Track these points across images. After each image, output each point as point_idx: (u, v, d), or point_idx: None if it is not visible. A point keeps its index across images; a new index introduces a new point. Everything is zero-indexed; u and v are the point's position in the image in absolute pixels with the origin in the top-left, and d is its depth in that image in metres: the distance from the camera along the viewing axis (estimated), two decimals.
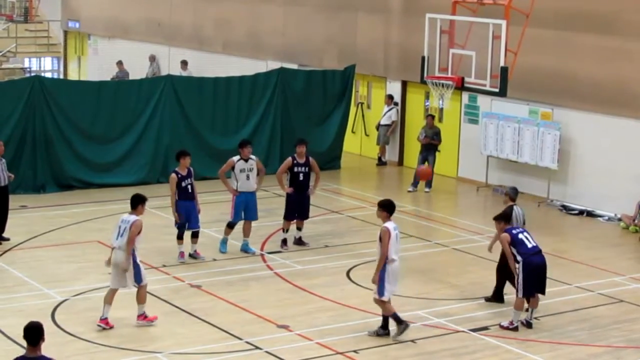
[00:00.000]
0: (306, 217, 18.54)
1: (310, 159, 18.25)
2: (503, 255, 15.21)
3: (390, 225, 13.82)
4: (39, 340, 8.99)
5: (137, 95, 23.77)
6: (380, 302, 13.94)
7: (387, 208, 14.00)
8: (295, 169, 18.14)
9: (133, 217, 14.17)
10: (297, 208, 18.27)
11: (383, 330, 14.06)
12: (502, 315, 14.97)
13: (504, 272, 15.37)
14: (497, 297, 15.62)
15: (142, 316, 14.30)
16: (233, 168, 17.81)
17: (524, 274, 14.38)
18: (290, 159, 18.21)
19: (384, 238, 13.71)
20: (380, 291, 13.80)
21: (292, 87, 25.72)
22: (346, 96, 26.55)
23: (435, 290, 15.88)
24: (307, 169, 18.15)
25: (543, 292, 14.67)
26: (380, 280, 13.78)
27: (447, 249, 18.87)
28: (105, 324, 14.08)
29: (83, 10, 39.64)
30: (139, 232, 14.03)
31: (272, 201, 21.01)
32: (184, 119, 24.14)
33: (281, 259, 17.77)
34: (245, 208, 17.93)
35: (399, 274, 14.15)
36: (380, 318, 14.18)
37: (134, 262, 14.12)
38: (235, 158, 17.91)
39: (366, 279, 16.70)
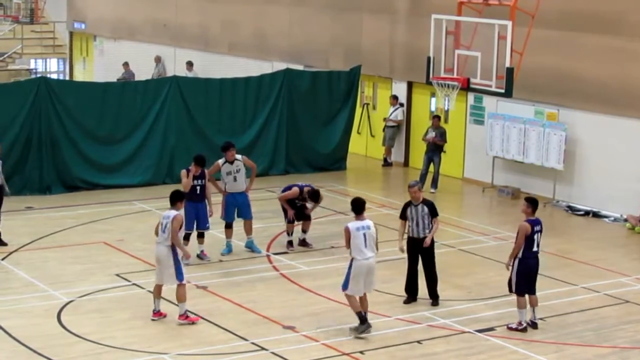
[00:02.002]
0: (308, 218, 18.67)
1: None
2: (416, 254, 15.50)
3: (351, 224, 14.13)
4: None
5: (143, 96, 23.75)
6: (346, 297, 14.20)
7: (353, 207, 14.33)
8: (298, 203, 18.42)
9: (173, 212, 14.47)
10: (298, 216, 18.56)
11: (362, 326, 14.11)
12: (508, 316, 14.96)
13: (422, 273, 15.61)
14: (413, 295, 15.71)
15: (184, 316, 14.39)
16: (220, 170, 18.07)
17: (517, 271, 14.47)
18: (297, 190, 18.32)
19: (345, 236, 14.15)
20: (344, 284, 14.13)
21: (298, 87, 25.71)
22: (352, 97, 26.54)
23: (441, 291, 15.84)
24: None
25: (533, 293, 14.68)
26: (346, 275, 14.14)
27: (453, 249, 18.85)
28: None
29: (89, 11, 39.68)
30: (180, 227, 14.38)
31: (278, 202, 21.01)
32: (189, 120, 24.14)
33: (287, 260, 17.77)
34: (238, 208, 18.06)
35: (363, 274, 14.12)
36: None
37: (175, 259, 14.30)
38: (221, 161, 18.05)
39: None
